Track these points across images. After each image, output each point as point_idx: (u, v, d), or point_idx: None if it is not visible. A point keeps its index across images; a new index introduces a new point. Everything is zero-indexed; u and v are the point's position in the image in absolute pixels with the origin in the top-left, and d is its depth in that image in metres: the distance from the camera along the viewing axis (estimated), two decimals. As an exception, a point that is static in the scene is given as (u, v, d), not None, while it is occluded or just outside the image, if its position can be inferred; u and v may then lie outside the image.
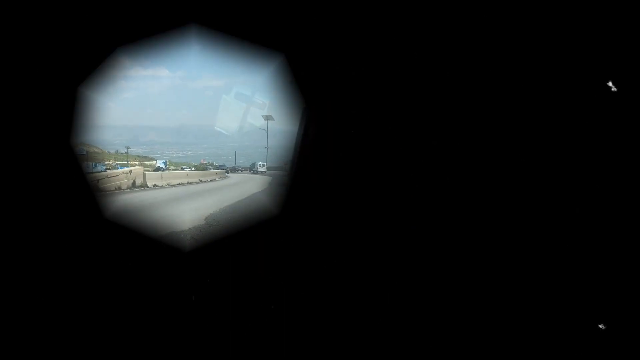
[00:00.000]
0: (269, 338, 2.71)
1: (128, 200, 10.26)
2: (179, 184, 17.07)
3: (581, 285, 2.52)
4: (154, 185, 15.45)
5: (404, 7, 2.69)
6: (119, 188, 12.79)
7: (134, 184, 14.15)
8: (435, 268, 2.66)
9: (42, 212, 2.58)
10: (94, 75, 2.78)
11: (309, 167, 2.84)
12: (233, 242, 2.92)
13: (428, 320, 2.64)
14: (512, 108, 2.62)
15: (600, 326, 2.48)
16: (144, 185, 14.82)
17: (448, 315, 2.63)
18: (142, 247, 2.93)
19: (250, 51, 2.94)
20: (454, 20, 2.64)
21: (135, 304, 2.66)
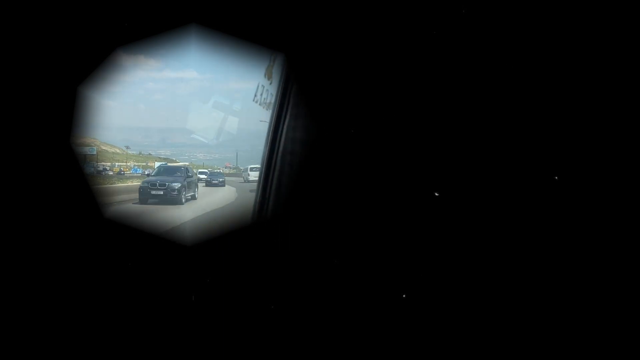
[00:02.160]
0: (268, 339, 2.72)
1: None
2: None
3: (581, 286, 2.47)
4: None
5: (406, 7, 2.68)
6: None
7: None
8: (436, 269, 2.63)
9: (31, 210, 2.65)
10: (96, 74, 2.83)
11: (304, 167, 2.83)
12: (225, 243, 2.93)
13: (429, 321, 2.62)
14: (514, 108, 2.59)
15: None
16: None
17: (449, 316, 2.60)
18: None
19: (250, 51, 2.96)
20: (456, 19, 2.61)
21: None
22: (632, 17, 2.44)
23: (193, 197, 12.45)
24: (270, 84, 3.17)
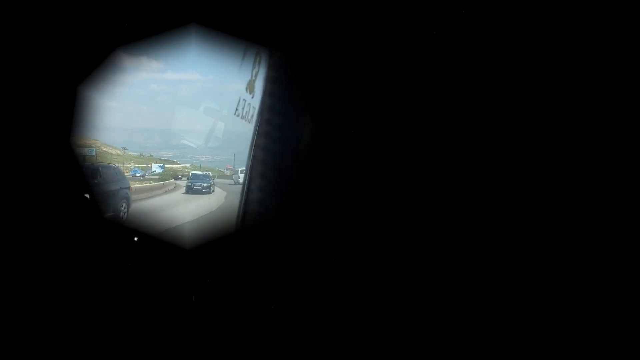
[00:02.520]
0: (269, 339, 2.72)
1: None
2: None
3: (581, 285, 2.47)
4: None
5: (406, 6, 2.68)
6: None
7: None
8: (437, 269, 2.63)
9: (30, 211, 2.65)
10: (97, 75, 2.83)
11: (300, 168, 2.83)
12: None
13: (429, 321, 2.61)
14: (514, 108, 2.59)
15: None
16: None
17: (449, 316, 2.60)
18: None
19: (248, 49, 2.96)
20: (456, 19, 2.61)
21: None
22: (632, 17, 2.44)
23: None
24: (252, 97, 3.16)
